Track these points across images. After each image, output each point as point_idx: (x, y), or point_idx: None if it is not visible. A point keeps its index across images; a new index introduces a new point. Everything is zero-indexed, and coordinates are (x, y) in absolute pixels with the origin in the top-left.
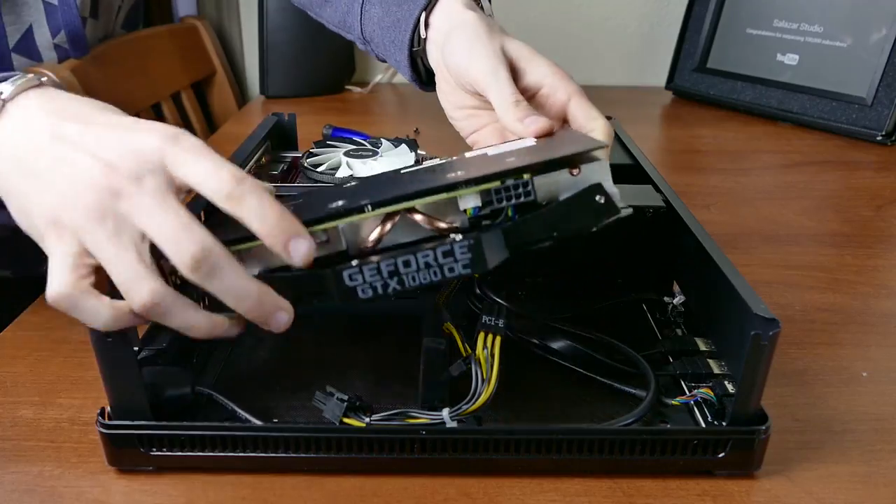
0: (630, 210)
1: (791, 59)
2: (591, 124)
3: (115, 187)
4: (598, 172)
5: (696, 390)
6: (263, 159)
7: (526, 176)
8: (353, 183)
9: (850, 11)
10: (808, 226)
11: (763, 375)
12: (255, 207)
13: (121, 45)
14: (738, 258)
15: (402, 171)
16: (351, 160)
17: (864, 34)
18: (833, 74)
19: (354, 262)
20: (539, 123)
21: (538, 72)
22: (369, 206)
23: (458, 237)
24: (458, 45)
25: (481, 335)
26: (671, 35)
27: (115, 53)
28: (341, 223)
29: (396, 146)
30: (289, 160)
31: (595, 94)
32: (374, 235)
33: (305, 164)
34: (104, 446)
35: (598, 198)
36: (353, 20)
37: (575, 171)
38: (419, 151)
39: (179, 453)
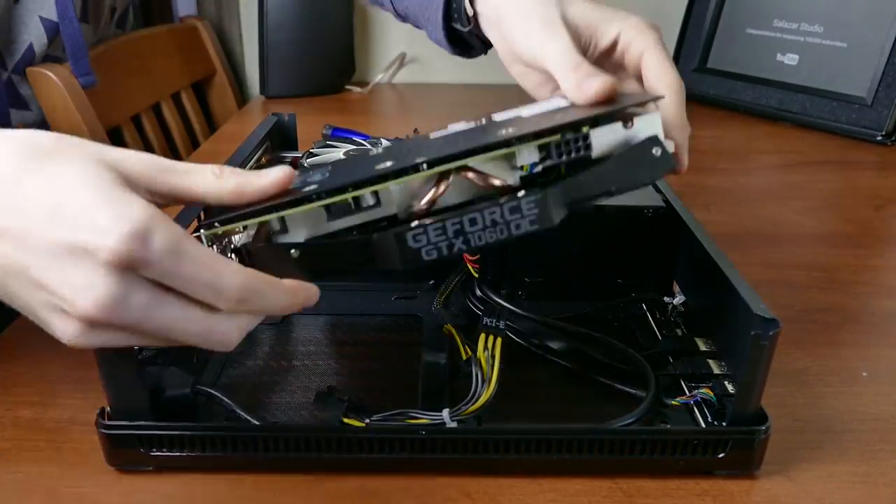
0: (676, 165)
1: (791, 59)
2: (658, 84)
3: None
4: (652, 125)
5: (696, 390)
6: (263, 159)
7: (585, 129)
8: (383, 148)
9: (850, 11)
10: (808, 226)
11: (763, 375)
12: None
13: (121, 45)
14: (738, 258)
15: (431, 136)
16: None
17: (865, 34)
18: (833, 74)
19: (415, 223)
20: (595, 85)
21: (610, 31)
22: (425, 165)
23: (522, 193)
24: (510, 23)
25: (482, 336)
26: (671, 35)
27: (115, 53)
28: (393, 184)
29: None
30: (289, 160)
31: None
32: (427, 197)
33: (305, 164)
34: (104, 446)
35: (654, 150)
36: None
37: (629, 125)
38: None
39: (179, 453)
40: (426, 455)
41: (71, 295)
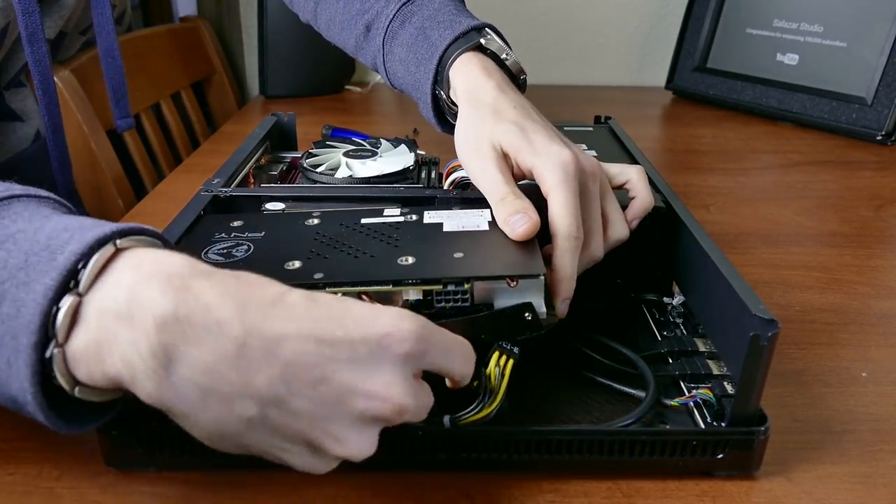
0: (554, 321)
1: (791, 59)
2: (553, 227)
3: None
4: (533, 290)
5: (695, 391)
6: (263, 159)
7: (466, 285)
8: (315, 221)
9: (850, 11)
10: (807, 226)
11: (762, 376)
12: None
13: (121, 46)
14: (737, 258)
15: (362, 221)
16: (350, 160)
17: (864, 34)
18: (833, 74)
19: None
20: (520, 228)
21: (525, 162)
22: (322, 284)
23: None
24: (457, 133)
25: (496, 354)
26: (671, 35)
27: None
28: None
29: (396, 146)
30: (288, 160)
31: (595, 94)
32: None
33: (305, 165)
34: (104, 447)
35: (526, 315)
36: (380, 69)
37: (513, 284)
38: (418, 151)
39: (179, 454)
40: (426, 455)
41: (386, 392)
